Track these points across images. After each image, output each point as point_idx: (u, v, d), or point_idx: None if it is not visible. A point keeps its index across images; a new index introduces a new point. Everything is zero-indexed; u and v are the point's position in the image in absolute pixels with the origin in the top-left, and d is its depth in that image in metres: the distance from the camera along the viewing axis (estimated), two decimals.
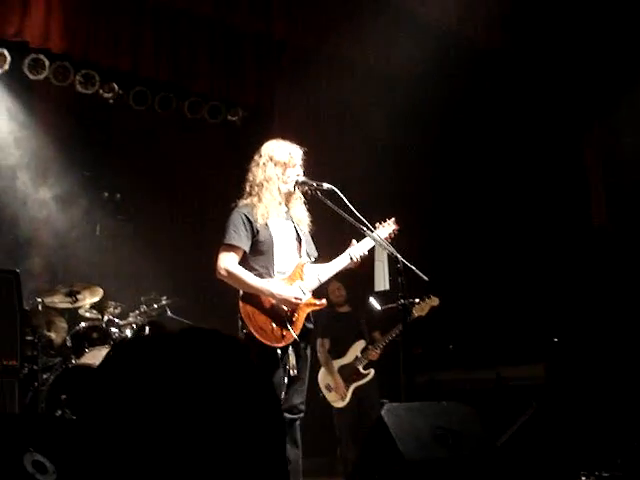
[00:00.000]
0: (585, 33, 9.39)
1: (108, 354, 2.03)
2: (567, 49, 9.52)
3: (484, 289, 9.94)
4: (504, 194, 10.17)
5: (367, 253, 5.43)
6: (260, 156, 5.42)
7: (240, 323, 5.06)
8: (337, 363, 8.30)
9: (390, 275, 5.49)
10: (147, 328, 7.90)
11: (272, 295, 5.08)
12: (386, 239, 5.52)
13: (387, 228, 5.61)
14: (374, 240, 5.36)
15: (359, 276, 8.32)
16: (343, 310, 8.72)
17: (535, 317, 9.44)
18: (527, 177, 10.05)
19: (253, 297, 5.09)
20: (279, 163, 5.33)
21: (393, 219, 5.69)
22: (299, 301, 5.14)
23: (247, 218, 5.22)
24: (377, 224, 5.60)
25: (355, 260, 5.39)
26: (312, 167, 5.59)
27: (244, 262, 5.21)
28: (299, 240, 5.40)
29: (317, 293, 5.39)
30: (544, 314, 9.36)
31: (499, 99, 10.02)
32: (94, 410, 1.54)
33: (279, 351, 5.01)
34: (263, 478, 1.59)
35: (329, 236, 5.89)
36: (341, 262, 5.41)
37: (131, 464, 1.50)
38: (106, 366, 1.67)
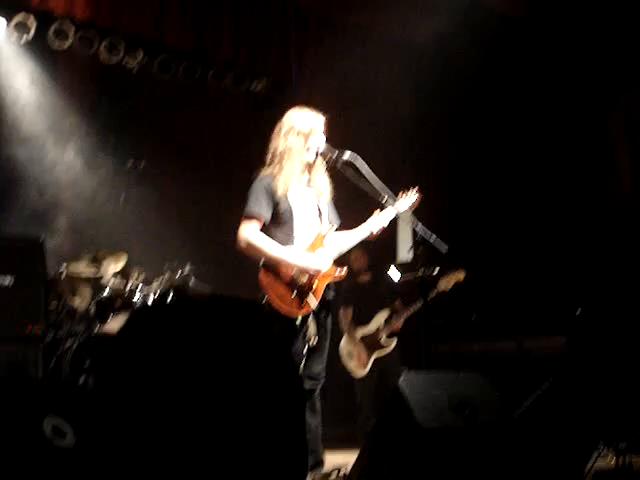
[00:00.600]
0: (610, 5, 9.28)
1: (128, 318, 2.03)
2: (592, 20, 9.41)
3: (507, 260, 9.91)
4: (528, 165, 10.10)
5: (386, 226, 5.43)
6: (282, 126, 5.41)
7: (261, 291, 5.10)
8: (359, 332, 8.32)
9: (413, 245, 5.48)
10: (170, 294, 7.96)
11: (293, 264, 5.10)
12: (409, 208, 5.52)
13: (409, 199, 5.60)
14: (397, 210, 5.36)
15: (382, 245, 8.39)
16: (365, 279, 8.73)
17: (558, 289, 9.42)
18: (552, 146, 9.97)
19: (273, 266, 5.11)
20: (301, 132, 5.32)
21: (416, 188, 5.68)
22: (320, 270, 5.16)
23: (269, 188, 5.22)
24: (400, 193, 5.59)
25: (375, 233, 5.40)
26: (335, 136, 5.58)
27: (265, 232, 5.23)
28: (320, 209, 5.40)
29: (338, 262, 5.41)
30: (567, 286, 9.34)
31: (524, 70, 9.94)
32: (114, 376, 1.55)
33: (299, 320, 5.04)
34: (282, 447, 1.61)
35: (352, 204, 5.89)
36: (362, 232, 5.42)
37: (149, 429, 1.51)
38: (126, 331, 1.68)
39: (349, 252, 8.17)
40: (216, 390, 1.52)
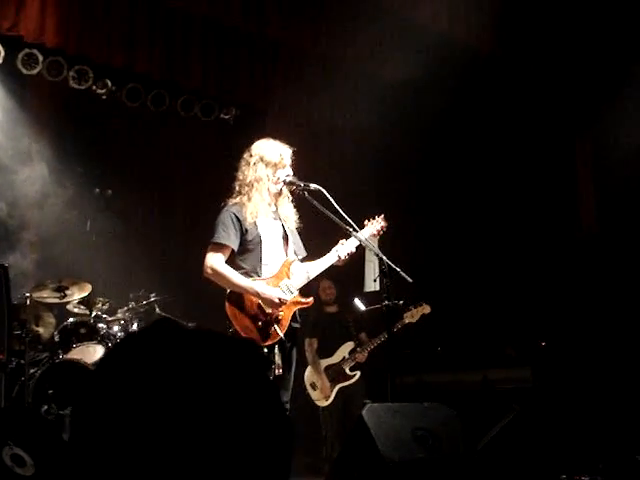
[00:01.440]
0: (575, 38, 9.42)
1: (110, 348, 1.99)
2: (558, 53, 9.55)
3: (472, 292, 9.97)
4: (494, 198, 10.19)
5: (354, 251, 5.46)
6: (251, 155, 5.44)
7: (227, 322, 5.10)
8: (324, 363, 8.31)
9: (379, 276, 5.50)
10: (135, 325, 7.93)
11: (257, 294, 5.11)
12: (374, 235, 5.57)
13: (375, 225, 5.64)
14: (359, 240, 5.39)
15: (348, 276, 8.40)
16: (331, 310, 8.73)
17: (523, 321, 9.48)
18: (517, 181, 10.07)
19: (239, 297, 5.12)
20: (270, 164, 5.35)
21: (382, 216, 5.72)
22: (283, 302, 5.16)
23: (236, 217, 5.26)
24: (366, 221, 5.63)
25: (342, 258, 5.42)
26: (302, 167, 5.61)
27: (232, 261, 5.26)
28: (286, 239, 5.43)
29: (305, 290, 5.43)
30: (532, 318, 9.40)
31: (491, 102, 10.04)
32: (88, 407, 1.51)
33: (265, 350, 5.04)
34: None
35: (319, 234, 5.91)
36: (328, 260, 5.44)
37: (118, 466, 1.48)
38: (106, 361, 1.63)
39: (318, 282, 8.25)
40: (197, 431, 1.48)
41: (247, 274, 5.21)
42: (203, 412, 1.44)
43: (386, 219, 5.70)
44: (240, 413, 1.49)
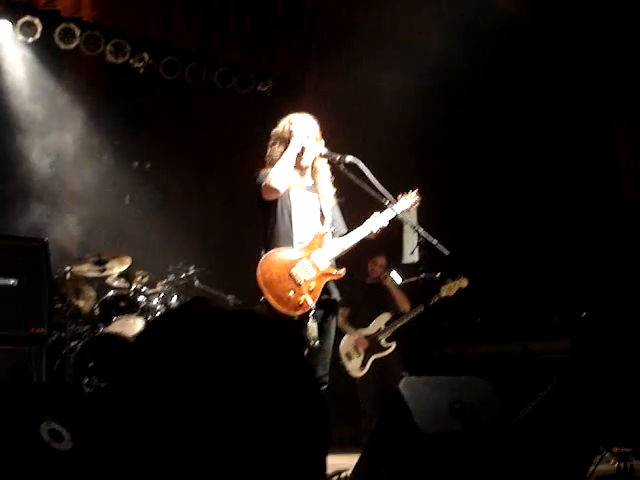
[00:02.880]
0: (617, 7, 9.25)
1: (150, 324, 2.00)
2: (599, 22, 9.38)
3: (512, 262, 9.90)
4: (534, 169, 10.09)
5: (387, 225, 5.43)
6: (272, 135, 5.51)
7: (259, 291, 5.12)
8: (361, 332, 8.31)
9: (416, 248, 5.48)
10: (174, 298, 7.99)
11: (293, 149, 5.30)
12: (407, 211, 5.52)
13: (409, 200, 5.60)
14: (395, 213, 5.36)
15: (387, 248, 8.39)
16: (372, 282, 8.73)
17: (564, 291, 9.40)
18: (558, 150, 9.95)
19: (270, 266, 5.13)
20: (284, 137, 5.42)
21: (416, 191, 5.68)
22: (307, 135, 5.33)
23: None
24: (399, 196, 5.59)
25: (375, 232, 5.40)
26: (340, 138, 5.60)
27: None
28: (323, 213, 5.42)
29: (339, 261, 5.43)
30: (573, 289, 9.32)
31: (529, 72, 9.92)
32: (125, 381, 1.52)
33: (296, 318, 5.05)
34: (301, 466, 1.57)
35: (354, 207, 5.89)
36: (361, 232, 5.42)
37: (153, 442, 1.48)
38: (144, 337, 1.63)
39: (371, 255, 8.24)
40: (228, 408, 1.48)
41: (280, 242, 5.24)
42: (236, 393, 1.44)
43: (421, 193, 5.66)
44: (274, 396, 1.49)
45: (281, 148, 5.39)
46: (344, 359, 8.28)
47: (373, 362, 8.19)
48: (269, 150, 5.46)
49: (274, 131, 5.50)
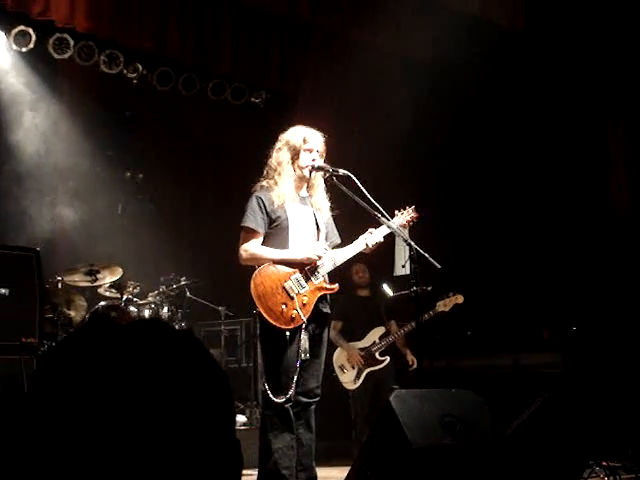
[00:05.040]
0: (609, 16, 9.30)
1: (52, 349, 1.98)
2: (591, 34, 9.44)
3: (504, 276, 9.92)
4: (525, 181, 10.12)
5: (382, 240, 5.44)
6: (279, 140, 5.48)
7: (252, 303, 5.14)
8: (355, 345, 8.32)
9: (407, 261, 5.49)
10: (165, 309, 7.99)
11: (295, 259, 5.20)
12: (403, 226, 5.53)
13: (405, 216, 5.61)
14: (390, 228, 5.37)
15: (378, 261, 8.39)
16: (363, 294, 8.72)
17: (555, 305, 9.43)
18: (549, 164, 9.99)
19: (264, 279, 5.14)
20: (292, 147, 5.38)
21: (413, 207, 5.69)
22: (319, 255, 5.23)
23: (262, 201, 5.30)
24: (396, 211, 5.61)
25: (370, 247, 5.41)
26: (334, 152, 5.61)
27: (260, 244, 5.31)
28: (318, 226, 5.44)
29: (331, 276, 5.44)
30: (564, 303, 9.34)
31: (523, 83, 9.96)
32: (30, 405, 1.52)
33: (288, 333, 5.07)
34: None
35: (347, 220, 5.91)
36: (356, 247, 5.43)
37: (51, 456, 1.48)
38: (48, 357, 1.63)
39: (351, 265, 8.25)
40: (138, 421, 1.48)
41: None
42: (138, 404, 1.44)
43: (416, 210, 5.68)
44: (177, 407, 1.49)
45: (288, 156, 5.38)
46: (338, 371, 8.28)
47: (367, 375, 8.19)
48: (274, 154, 5.43)
49: (284, 137, 5.47)
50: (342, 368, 8.28)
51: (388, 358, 8.23)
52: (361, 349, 8.27)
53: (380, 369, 8.21)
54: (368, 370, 8.20)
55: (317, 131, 5.52)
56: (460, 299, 7.81)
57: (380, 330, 8.35)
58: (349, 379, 8.23)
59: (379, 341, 8.27)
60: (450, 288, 7.80)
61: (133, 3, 8.55)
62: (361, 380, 8.18)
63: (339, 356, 8.32)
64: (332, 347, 8.24)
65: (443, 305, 7.77)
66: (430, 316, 7.75)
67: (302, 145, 5.37)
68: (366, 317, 8.49)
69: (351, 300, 8.53)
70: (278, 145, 5.45)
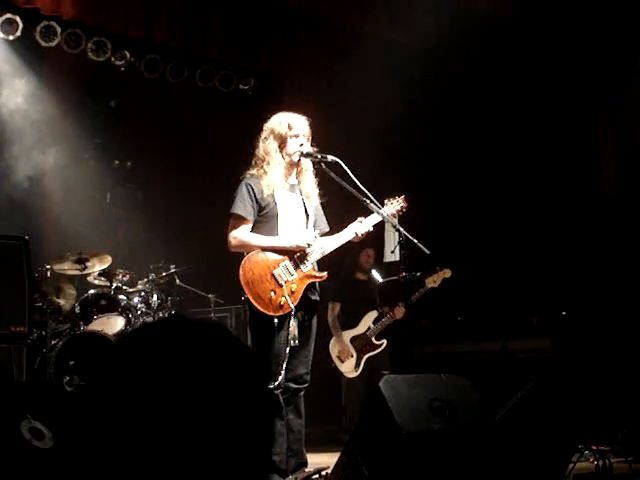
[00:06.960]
0: (599, 7, 9.30)
1: (131, 332, 2.03)
2: (581, 20, 9.43)
3: (492, 261, 9.94)
4: (515, 166, 10.12)
5: (372, 229, 5.45)
6: (265, 128, 5.47)
7: (241, 290, 5.15)
8: (349, 334, 8.30)
9: (396, 246, 5.51)
10: (155, 297, 7.98)
11: (284, 247, 5.22)
12: (393, 216, 5.53)
13: (395, 205, 5.60)
14: (377, 213, 5.37)
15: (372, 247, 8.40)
16: (362, 277, 8.71)
17: (544, 290, 9.45)
18: (537, 150, 10.00)
19: (253, 266, 5.16)
20: (277, 135, 5.37)
21: (403, 196, 5.68)
22: (309, 243, 5.25)
23: (252, 188, 5.31)
24: (386, 200, 5.61)
25: (359, 236, 5.41)
26: (322, 138, 5.60)
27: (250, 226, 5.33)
28: (307, 213, 5.44)
29: (320, 263, 5.44)
30: (553, 288, 9.37)
31: (512, 71, 9.95)
32: (105, 382, 1.54)
33: (276, 320, 5.09)
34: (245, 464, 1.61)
35: (337, 207, 5.91)
36: (345, 236, 5.44)
37: (131, 441, 1.51)
38: (128, 340, 1.67)
39: (362, 248, 8.25)
40: (200, 414, 1.52)
41: None
42: (202, 398, 1.48)
43: (406, 199, 5.66)
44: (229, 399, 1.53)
45: (275, 144, 5.37)
46: (336, 362, 8.28)
47: (365, 361, 8.19)
48: (261, 144, 5.42)
49: (268, 126, 5.46)
50: (340, 358, 8.28)
51: (385, 341, 8.23)
52: (356, 337, 8.26)
53: (377, 354, 8.21)
54: (367, 356, 8.20)
55: (301, 115, 5.52)
56: (448, 273, 7.80)
57: (373, 314, 8.34)
58: (349, 368, 8.24)
59: (374, 325, 8.26)
60: (436, 263, 7.77)
61: None
62: (361, 367, 8.19)
63: (334, 346, 8.32)
64: (329, 336, 8.25)
65: (432, 281, 7.77)
66: (421, 294, 7.76)
67: (288, 132, 5.37)
68: (361, 301, 8.48)
69: (349, 282, 8.53)
70: (264, 135, 5.44)
